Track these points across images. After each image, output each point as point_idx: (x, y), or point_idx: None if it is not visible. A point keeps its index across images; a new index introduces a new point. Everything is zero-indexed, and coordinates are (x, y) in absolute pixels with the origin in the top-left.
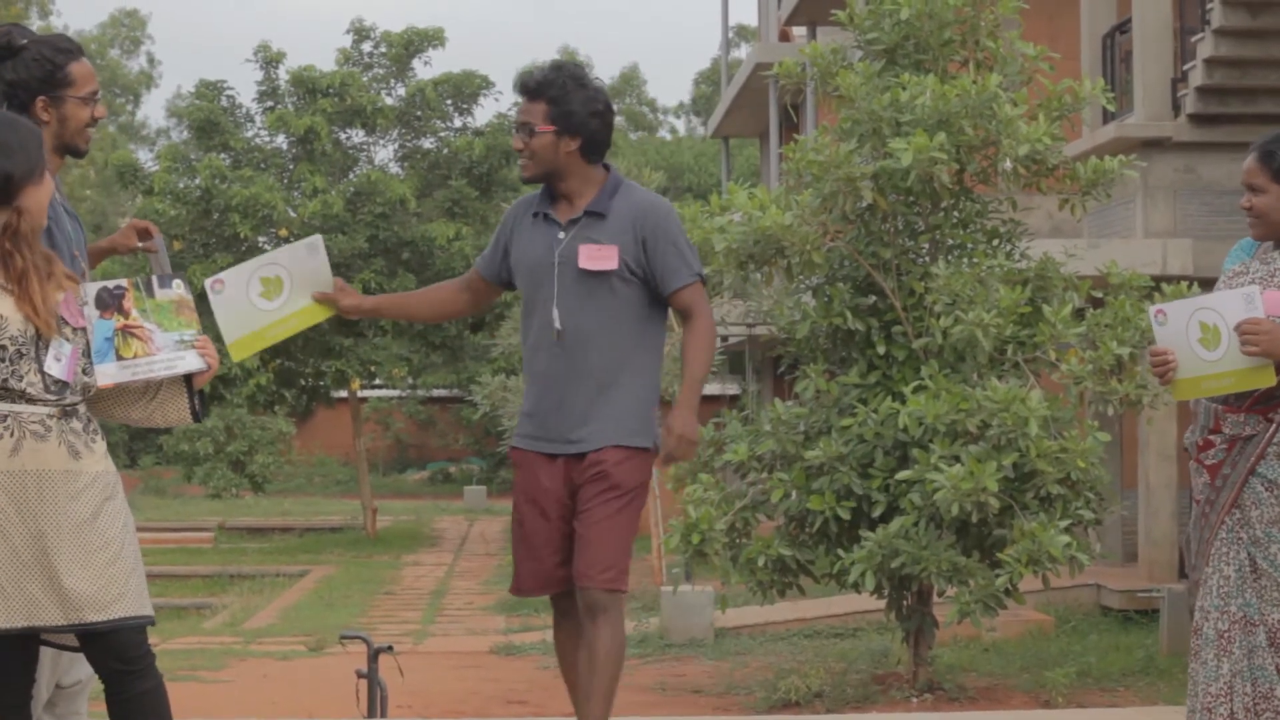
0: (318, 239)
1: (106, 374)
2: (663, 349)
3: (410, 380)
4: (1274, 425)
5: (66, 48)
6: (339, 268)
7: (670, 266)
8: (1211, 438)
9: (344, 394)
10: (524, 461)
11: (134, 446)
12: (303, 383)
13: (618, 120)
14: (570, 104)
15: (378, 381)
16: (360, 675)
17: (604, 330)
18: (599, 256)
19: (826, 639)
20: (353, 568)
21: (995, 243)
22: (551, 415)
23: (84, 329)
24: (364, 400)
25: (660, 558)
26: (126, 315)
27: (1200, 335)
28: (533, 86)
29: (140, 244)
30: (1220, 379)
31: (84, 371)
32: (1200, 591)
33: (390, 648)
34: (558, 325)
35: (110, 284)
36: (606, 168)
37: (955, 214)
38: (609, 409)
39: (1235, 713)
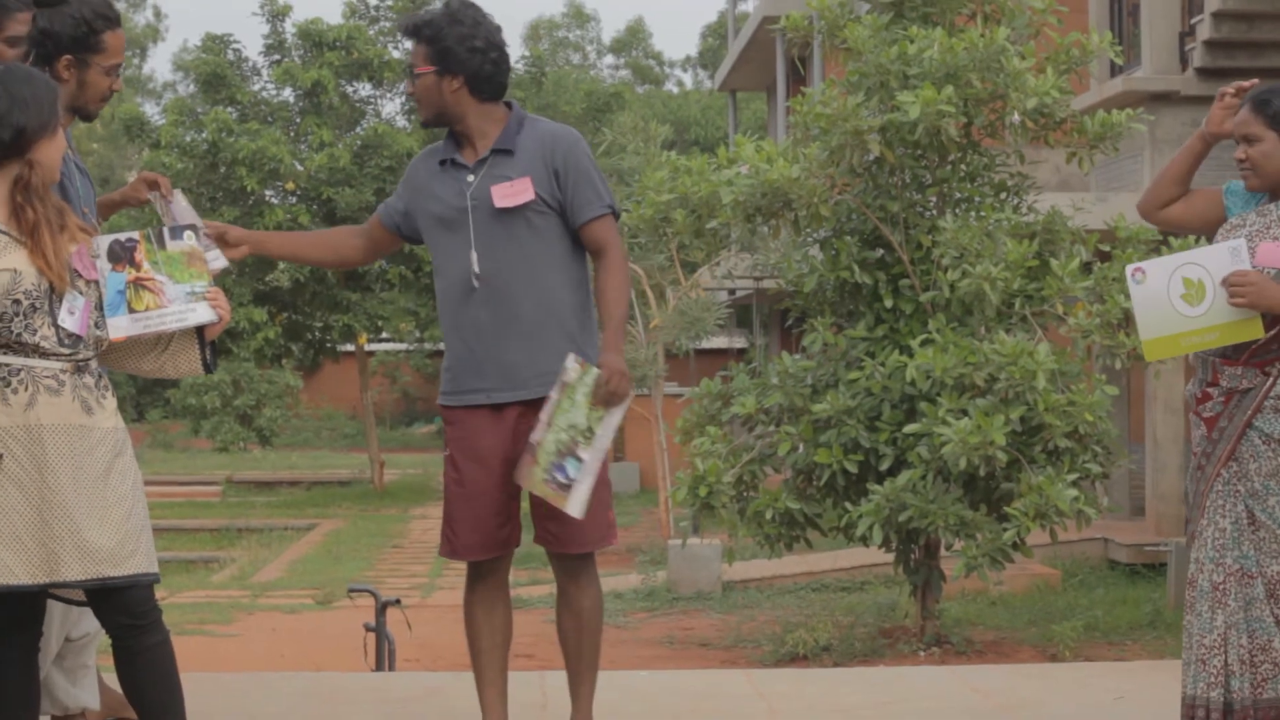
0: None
1: (119, 327)
2: (589, 286)
3: (417, 334)
4: (1271, 379)
5: (106, 14)
6: (344, 220)
7: (582, 197)
8: (1209, 390)
9: (351, 348)
10: (462, 418)
11: (141, 400)
12: (310, 336)
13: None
14: (445, 41)
15: (384, 335)
16: (368, 628)
17: (527, 269)
18: (512, 192)
19: (834, 592)
20: (360, 521)
21: (1003, 196)
22: (486, 365)
23: (96, 282)
24: (371, 354)
25: (667, 511)
26: (138, 268)
27: (1183, 291)
28: (410, 28)
29: (149, 195)
30: (1204, 334)
31: (96, 325)
32: (1195, 544)
33: (398, 601)
34: (477, 269)
35: (122, 236)
36: (509, 106)
37: (963, 167)
38: (548, 352)
39: (1230, 664)
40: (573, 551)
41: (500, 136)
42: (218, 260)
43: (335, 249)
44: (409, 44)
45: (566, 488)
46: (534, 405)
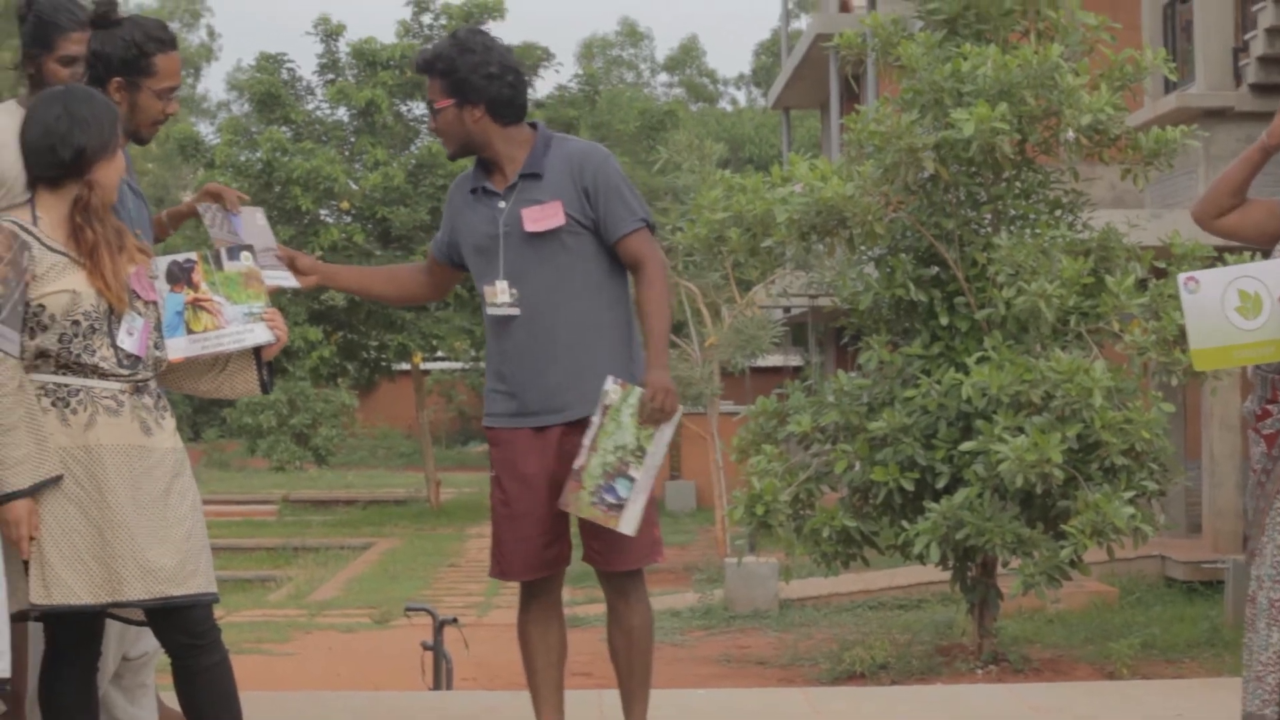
0: None
1: (177, 348)
2: (630, 302)
3: (472, 353)
4: None
5: (159, 37)
6: (399, 240)
7: (615, 214)
8: (1269, 407)
9: (406, 367)
10: (505, 439)
11: (197, 420)
12: (365, 355)
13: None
14: (460, 72)
15: (440, 354)
16: (426, 647)
17: (564, 292)
18: (543, 216)
19: (891, 610)
20: (417, 540)
21: (1058, 213)
22: (528, 389)
23: (155, 303)
24: (426, 373)
25: (724, 529)
26: (196, 288)
27: (1238, 304)
28: (423, 64)
29: (199, 207)
30: (1259, 348)
31: (155, 346)
32: (1255, 561)
33: (455, 620)
34: (507, 298)
35: (180, 257)
36: (534, 126)
37: (1017, 184)
38: (591, 372)
39: None
40: (619, 569)
41: (528, 160)
42: (288, 279)
43: (403, 285)
44: (426, 81)
45: (618, 507)
46: (577, 426)
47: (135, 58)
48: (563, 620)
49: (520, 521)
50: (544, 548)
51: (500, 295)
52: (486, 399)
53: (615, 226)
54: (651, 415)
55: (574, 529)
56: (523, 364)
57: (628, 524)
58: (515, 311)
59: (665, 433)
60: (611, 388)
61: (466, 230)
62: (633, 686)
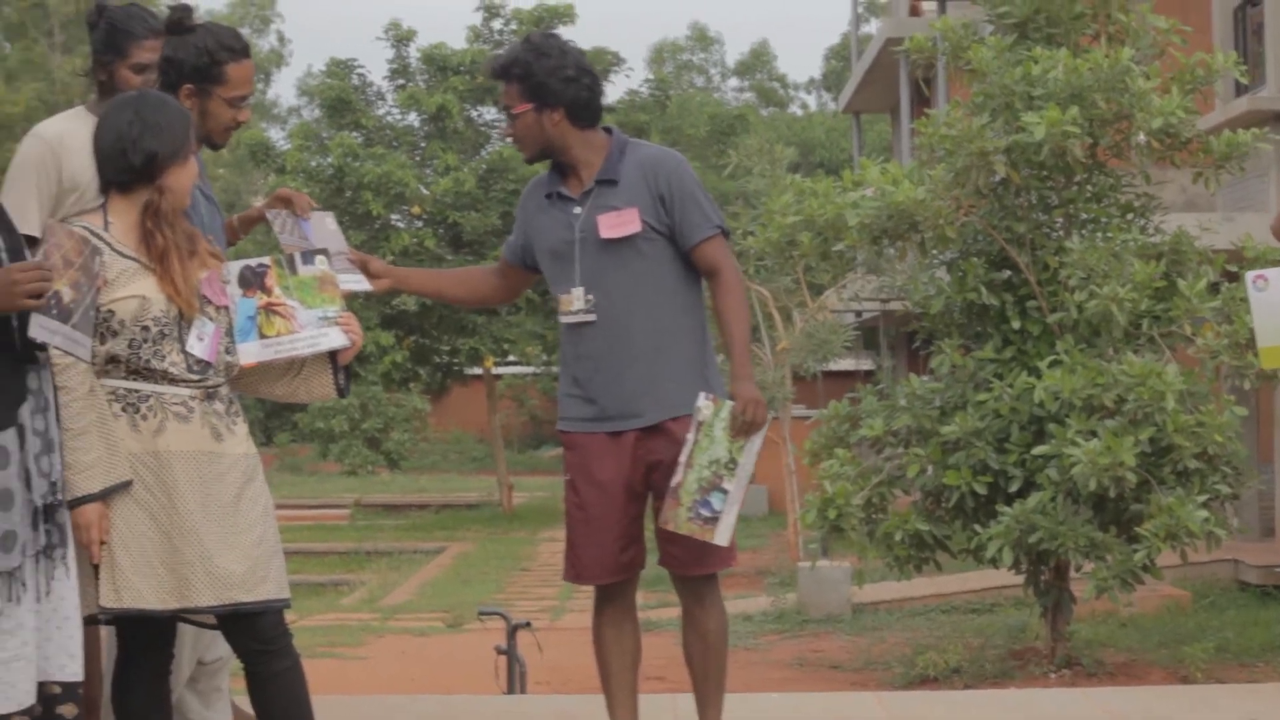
0: None
1: (249, 353)
2: (703, 309)
3: (544, 357)
4: None
5: (231, 45)
6: (470, 245)
7: (690, 221)
8: None
9: (478, 371)
10: (580, 443)
11: (269, 424)
12: (437, 360)
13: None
14: (538, 76)
15: (512, 358)
16: (499, 651)
17: (640, 298)
18: (619, 223)
19: (964, 614)
20: (489, 544)
21: (1129, 217)
22: (604, 394)
23: (227, 308)
24: (498, 377)
25: (796, 533)
26: (269, 293)
27: None
28: (499, 69)
29: (268, 213)
30: None
31: (226, 351)
32: None
33: (529, 624)
34: (583, 304)
35: (253, 262)
36: (609, 131)
37: (1089, 188)
38: (667, 378)
39: None
40: (695, 573)
41: (604, 166)
42: (360, 283)
43: (474, 288)
44: (500, 86)
45: (712, 520)
46: (652, 431)
47: (207, 65)
48: (637, 624)
49: (595, 525)
50: (619, 552)
51: (576, 302)
52: (561, 403)
53: (691, 233)
54: (743, 427)
55: (649, 533)
56: (598, 369)
57: (722, 536)
58: (591, 318)
59: (755, 443)
60: (704, 404)
61: (541, 235)
62: (707, 690)
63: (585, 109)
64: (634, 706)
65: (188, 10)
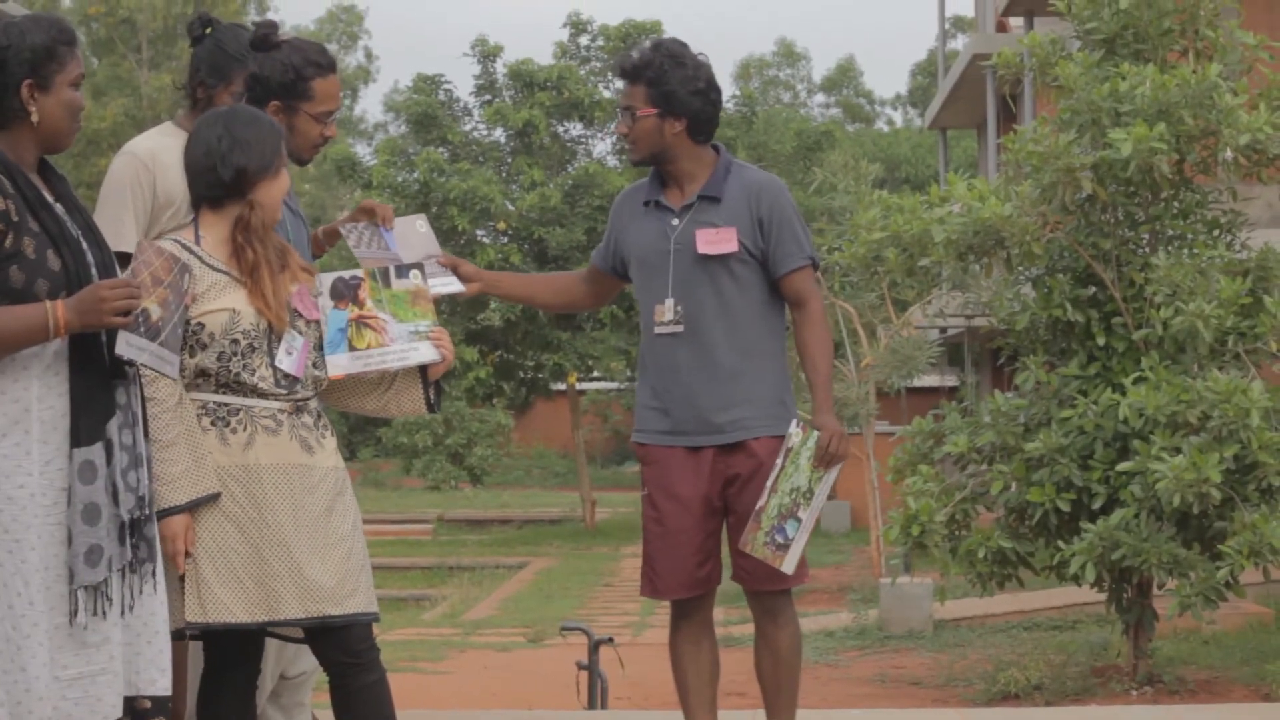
0: None
1: (338, 365)
2: (785, 336)
3: (628, 373)
4: None
5: (318, 61)
6: (556, 260)
7: (784, 249)
8: None
9: (562, 386)
10: (659, 457)
11: (353, 439)
12: (521, 375)
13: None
14: (669, 84)
15: (595, 374)
16: (581, 667)
17: (728, 317)
18: (717, 240)
19: (1046, 631)
20: (572, 559)
21: (1215, 233)
22: (684, 409)
23: (317, 322)
24: (582, 393)
25: (879, 549)
26: (361, 305)
27: None
28: (630, 69)
29: (343, 229)
30: None
31: (314, 365)
32: None
33: (611, 639)
34: (672, 315)
35: (346, 274)
36: (716, 149)
37: (1175, 204)
38: (747, 397)
39: None
40: (768, 589)
41: (709, 182)
42: (452, 284)
43: (565, 293)
44: (622, 83)
45: (784, 548)
46: (731, 448)
47: (293, 82)
48: (714, 639)
49: (673, 540)
50: (696, 567)
51: (666, 313)
52: (638, 415)
53: (783, 261)
54: (826, 459)
55: (724, 549)
56: (680, 383)
57: (789, 564)
58: (680, 329)
59: (832, 475)
60: (795, 431)
61: (634, 241)
62: (779, 706)
63: (706, 124)
64: None
65: (273, 26)
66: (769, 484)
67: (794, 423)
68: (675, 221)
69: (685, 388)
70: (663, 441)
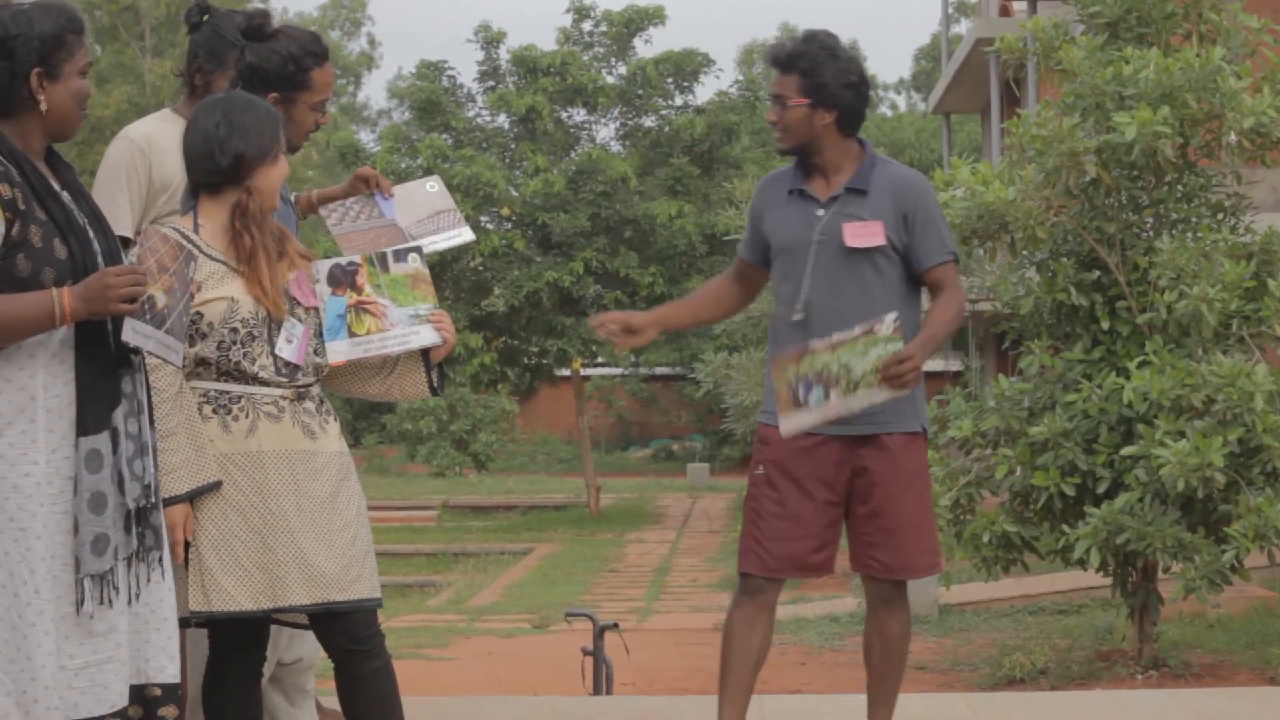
0: None
1: (338, 351)
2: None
3: (633, 358)
4: None
5: (314, 50)
6: (560, 246)
7: (928, 243)
8: None
9: (567, 372)
10: (783, 440)
11: (357, 426)
12: (526, 361)
13: None
14: (823, 75)
15: (600, 360)
16: (586, 653)
17: (865, 309)
18: (864, 233)
19: (1051, 615)
20: (576, 545)
21: (1220, 217)
22: None
23: (316, 308)
24: (586, 378)
25: None
26: (360, 291)
27: None
28: (784, 58)
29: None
30: None
31: (315, 352)
32: None
33: (616, 625)
34: (802, 306)
35: (343, 260)
36: (860, 143)
37: (1179, 188)
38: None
39: None
40: (899, 578)
41: (855, 175)
42: (463, 235)
43: (722, 301)
44: (774, 72)
45: (799, 407)
46: (858, 441)
47: (293, 73)
48: (771, 624)
49: (794, 523)
50: (812, 551)
51: (803, 300)
52: (765, 396)
53: (927, 255)
54: (889, 373)
55: (843, 539)
56: None
57: (788, 423)
58: (806, 317)
59: (877, 395)
60: (890, 320)
61: (777, 229)
62: (882, 691)
63: (855, 117)
64: (744, 706)
65: (266, 15)
66: (835, 339)
67: (893, 314)
68: (820, 212)
69: None
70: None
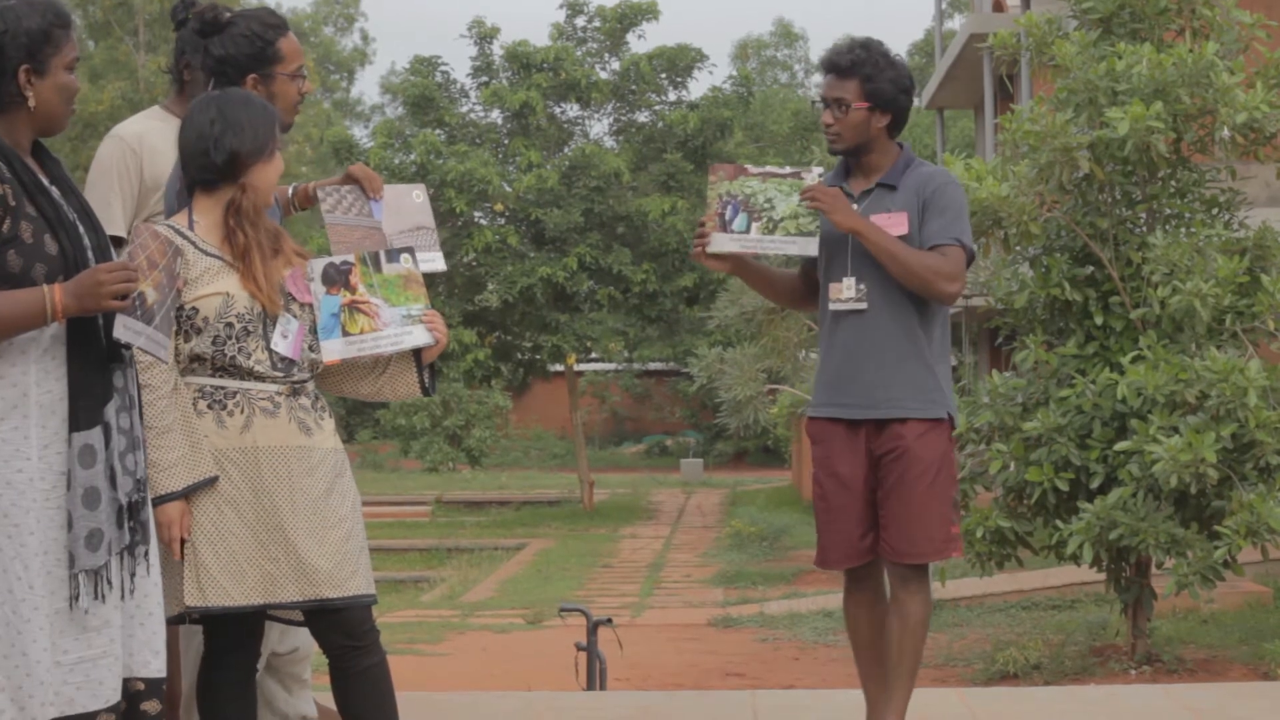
0: None
1: (332, 350)
2: (949, 326)
3: (626, 354)
4: None
5: (274, 22)
6: (553, 242)
7: (934, 224)
8: None
9: (560, 368)
10: (823, 434)
11: (351, 421)
12: (519, 357)
13: None
14: (882, 81)
15: (594, 355)
16: (580, 648)
17: (899, 298)
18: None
19: (1044, 611)
20: (570, 541)
21: (1213, 212)
22: (850, 384)
23: (311, 305)
24: (580, 374)
25: None
26: (353, 290)
27: None
28: (845, 65)
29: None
30: None
31: (310, 348)
32: None
33: (609, 620)
34: (860, 292)
35: (337, 259)
36: (901, 146)
37: (1172, 183)
38: (906, 378)
39: None
40: (906, 562)
41: (889, 172)
42: (436, 262)
43: (792, 292)
44: (829, 76)
45: (724, 228)
46: (881, 426)
47: (261, 49)
48: (885, 603)
49: (836, 515)
50: (859, 539)
51: (846, 290)
52: (814, 392)
53: (930, 236)
54: (812, 193)
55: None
56: (850, 359)
57: (714, 245)
58: (862, 306)
59: (791, 245)
60: (815, 173)
61: (824, 222)
62: (899, 674)
63: (903, 121)
64: (882, 676)
65: (216, 8)
66: (768, 169)
67: (819, 169)
68: (855, 207)
69: (853, 363)
70: (827, 413)
